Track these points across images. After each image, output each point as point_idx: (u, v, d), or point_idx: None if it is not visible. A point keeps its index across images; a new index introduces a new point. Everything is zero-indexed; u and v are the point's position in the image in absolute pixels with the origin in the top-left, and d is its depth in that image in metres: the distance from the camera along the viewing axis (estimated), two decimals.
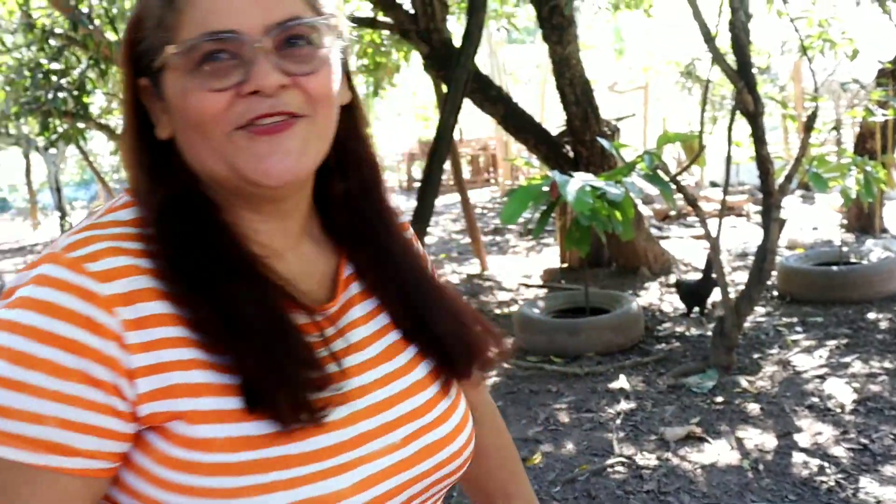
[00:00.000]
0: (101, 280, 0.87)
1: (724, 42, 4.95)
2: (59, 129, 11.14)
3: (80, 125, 11.14)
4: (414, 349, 1.06)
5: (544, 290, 7.83)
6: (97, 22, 9.30)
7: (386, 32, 9.43)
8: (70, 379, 0.82)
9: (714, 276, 5.65)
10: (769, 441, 4.04)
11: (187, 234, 0.95)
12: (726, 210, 5.58)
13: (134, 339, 0.86)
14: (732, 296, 5.05)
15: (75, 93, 10.38)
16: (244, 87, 0.91)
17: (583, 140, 7.41)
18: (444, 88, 7.64)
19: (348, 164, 1.10)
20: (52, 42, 9.99)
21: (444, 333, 1.07)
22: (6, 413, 0.80)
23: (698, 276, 6.65)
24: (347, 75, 1.07)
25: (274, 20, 0.92)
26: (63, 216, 17.99)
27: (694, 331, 6.03)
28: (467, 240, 10.58)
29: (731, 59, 4.82)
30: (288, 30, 0.93)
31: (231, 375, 0.89)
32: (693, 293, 6.33)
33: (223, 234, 0.98)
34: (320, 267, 1.08)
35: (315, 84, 0.95)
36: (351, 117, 1.08)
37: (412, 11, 7.44)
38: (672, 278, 7.62)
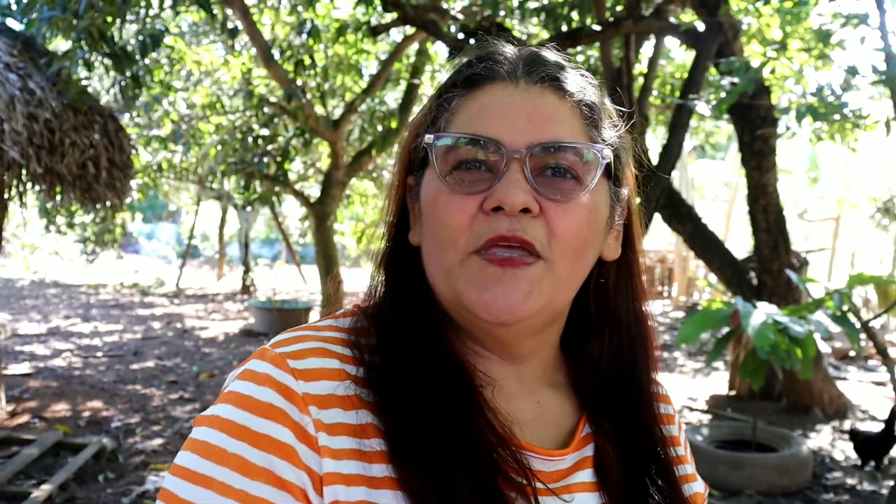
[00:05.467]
0: (301, 378, 0.84)
1: None
2: (259, 190, 11.80)
3: (278, 189, 11.70)
4: None
5: (709, 417, 7.59)
6: (309, 96, 9.88)
7: None
8: (257, 478, 0.78)
9: None
10: None
11: (409, 351, 0.91)
12: None
13: (327, 442, 0.82)
14: None
15: (279, 159, 11.03)
16: (488, 199, 0.86)
17: (770, 269, 7.21)
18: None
19: (606, 325, 1.02)
20: (265, 110, 10.67)
21: None
22: None
23: (877, 426, 6.28)
24: (628, 232, 1.01)
25: (539, 139, 0.87)
26: (247, 270, 18.87)
27: (867, 486, 5.68)
28: None
29: None
30: (552, 155, 0.88)
31: (423, 500, 0.82)
32: (871, 445, 5.94)
33: (447, 360, 0.92)
34: (560, 419, 1.00)
35: (564, 223, 0.87)
36: (621, 275, 1.02)
37: None
38: (847, 424, 7.23)
